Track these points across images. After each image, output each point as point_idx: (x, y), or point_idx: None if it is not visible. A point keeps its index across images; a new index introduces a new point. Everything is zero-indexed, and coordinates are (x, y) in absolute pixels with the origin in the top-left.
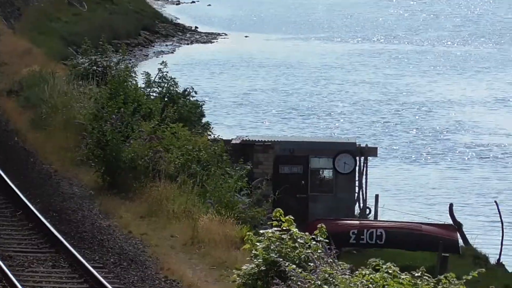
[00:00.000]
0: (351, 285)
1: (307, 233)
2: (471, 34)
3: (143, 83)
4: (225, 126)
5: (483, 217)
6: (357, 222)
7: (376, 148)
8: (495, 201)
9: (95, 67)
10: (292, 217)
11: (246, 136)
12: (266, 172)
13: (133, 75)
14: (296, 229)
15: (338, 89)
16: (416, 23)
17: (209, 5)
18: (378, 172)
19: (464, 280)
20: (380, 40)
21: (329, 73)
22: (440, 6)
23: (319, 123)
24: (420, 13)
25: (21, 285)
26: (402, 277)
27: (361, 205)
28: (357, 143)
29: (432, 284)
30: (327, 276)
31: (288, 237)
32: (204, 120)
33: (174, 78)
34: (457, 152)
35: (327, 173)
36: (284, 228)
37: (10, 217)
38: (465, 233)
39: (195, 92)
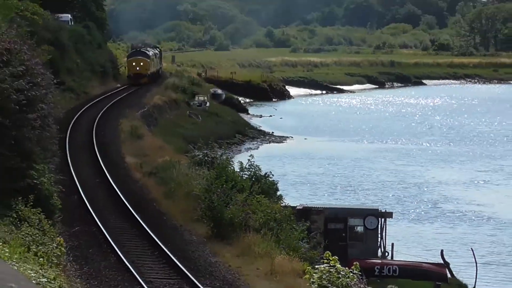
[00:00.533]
0: None
1: (346, 268)
2: (453, 139)
3: (238, 168)
4: (292, 197)
5: (464, 259)
6: (380, 261)
7: (392, 212)
8: (471, 248)
9: (206, 158)
10: (336, 258)
11: (306, 204)
12: (319, 228)
13: (231, 163)
14: (339, 265)
15: (366, 173)
16: (417, 131)
17: (281, 118)
18: (393, 228)
19: None
20: (394, 141)
21: (360, 163)
22: (433, 119)
23: (354, 195)
24: (420, 124)
25: None
26: None
27: (382, 250)
28: (379, 209)
29: None
30: None
31: (334, 270)
32: (278, 193)
33: (258, 165)
34: (445, 215)
35: (360, 229)
36: (331, 264)
37: (150, 255)
38: (452, 269)
39: (272, 175)
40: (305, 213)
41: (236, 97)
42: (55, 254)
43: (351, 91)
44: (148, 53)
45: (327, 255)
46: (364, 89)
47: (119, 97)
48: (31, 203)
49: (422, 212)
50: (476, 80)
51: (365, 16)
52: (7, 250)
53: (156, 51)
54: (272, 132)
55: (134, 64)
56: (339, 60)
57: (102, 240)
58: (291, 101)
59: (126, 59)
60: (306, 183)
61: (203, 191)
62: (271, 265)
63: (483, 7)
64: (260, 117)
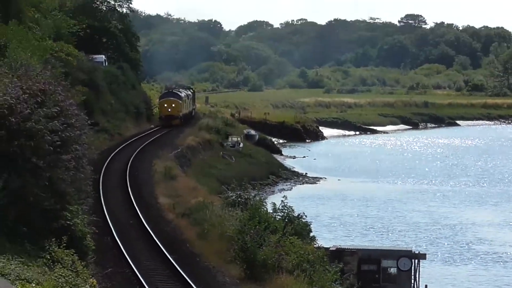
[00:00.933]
0: None
1: None
2: (487, 180)
3: (271, 210)
4: (325, 238)
5: None
6: None
7: (425, 254)
8: None
9: (239, 199)
10: None
11: (339, 245)
12: (352, 269)
13: (264, 204)
14: None
15: (399, 214)
16: (451, 172)
17: (315, 158)
18: (427, 270)
19: None
20: (427, 182)
21: (393, 204)
22: (465, 161)
23: (387, 236)
24: (454, 165)
25: None
26: None
27: None
28: (412, 250)
29: None
30: None
31: None
32: (311, 234)
33: (291, 206)
34: (479, 257)
35: (393, 270)
36: None
37: None
38: None
39: (305, 216)
40: (339, 254)
41: (269, 138)
42: None
43: (384, 132)
44: (180, 94)
45: None
46: (398, 130)
47: (153, 138)
48: (65, 244)
49: (456, 254)
50: (510, 121)
51: (399, 56)
52: None
53: (189, 92)
54: (306, 173)
55: (166, 105)
56: (373, 101)
57: (135, 282)
58: (325, 142)
59: (158, 100)
60: (340, 224)
61: (236, 232)
62: None
63: None
64: (294, 158)
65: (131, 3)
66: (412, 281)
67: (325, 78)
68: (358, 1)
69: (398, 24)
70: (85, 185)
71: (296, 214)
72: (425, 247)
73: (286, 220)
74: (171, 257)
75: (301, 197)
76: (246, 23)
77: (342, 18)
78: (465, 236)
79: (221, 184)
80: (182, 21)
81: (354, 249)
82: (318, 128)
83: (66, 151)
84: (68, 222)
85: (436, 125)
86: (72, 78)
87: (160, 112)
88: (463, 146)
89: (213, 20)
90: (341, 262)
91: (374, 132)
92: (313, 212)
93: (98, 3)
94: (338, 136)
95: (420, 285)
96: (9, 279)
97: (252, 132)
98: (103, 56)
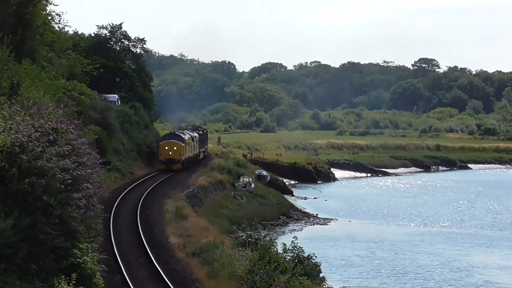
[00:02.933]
0: None
1: None
2: (498, 223)
3: (281, 250)
4: (335, 280)
5: None
6: None
7: None
8: None
9: (250, 239)
10: None
11: (349, 286)
12: None
13: (274, 244)
14: None
15: (407, 256)
16: (462, 214)
17: (326, 200)
18: None
19: None
20: (438, 225)
21: (402, 246)
22: (478, 204)
23: (396, 278)
24: (465, 208)
25: None
26: None
27: None
28: None
29: None
30: None
31: None
32: (321, 275)
33: (301, 247)
34: None
35: None
36: None
37: None
38: None
39: (315, 256)
40: None
41: (281, 179)
42: None
43: (396, 174)
44: (183, 136)
45: None
46: (409, 172)
47: (164, 177)
48: (74, 282)
49: None
50: None
51: (412, 100)
52: None
53: (195, 134)
54: (317, 214)
55: (166, 148)
56: (385, 143)
57: None
58: (336, 184)
59: (159, 142)
60: (350, 266)
61: (246, 272)
62: None
63: None
64: (305, 199)
65: (145, 44)
66: None
67: (337, 120)
68: (372, 45)
69: (411, 68)
70: (96, 223)
71: (306, 255)
72: None
73: (296, 260)
74: None
75: (311, 238)
76: (259, 64)
77: (356, 61)
78: (475, 279)
79: (232, 224)
80: (196, 62)
81: None
82: (330, 169)
83: (77, 189)
84: (78, 260)
85: (448, 168)
86: (84, 117)
87: (160, 155)
88: (474, 190)
89: (226, 62)
90: None
91: (386, 174)
92: (323, 253)
93: (112, 43)
94: (350, 178)
95: None
96: None
97: (264, 172)
98: (116, 95)
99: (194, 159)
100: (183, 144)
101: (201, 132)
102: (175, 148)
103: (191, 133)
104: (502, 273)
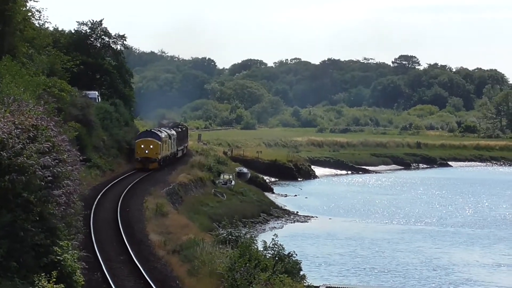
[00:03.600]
0: None
1: None
2: (476, 221)
3: (261, 247)
4: (315, 277)
5: None
6: None
7: None
8: None
9: (230, 236)
10: None
11: (329, 284)
12: None
13: (255, 242)
14: None
15: (388, 254)
16: (441, 213)
17: (306, 197)
18: None
19: None
20: (417, 223)
21: (383, 243)
22: (457, 202)
23: (376, 275)
24: (444, 206)
25: None
26: None
27: None
28: None
29: None
30: None
31: None
32: (301, 272)
33: (282, 245)
34: None
35: None
36: None
37: None
38: None
39: (296, 254)
40: None
41: (261, 176)
42: None
43: (376, 172)
44: (160, 134)
45: None
46: (390, 170)
47: (145, 175)
48: (54, 280)
49: None
50: (502, 163)
51: (392, 97)
52: None
53: (173, 132)
54: (297, 212)
55: (142, 146)
56: (365, 141)
57: None
58: (317, 181)
59: (134, 140)
60: (330, 263)
61: (226, 270)
62: None
63: (510, 90)
64: (285, 196)
65: (126, 40)
66: None
67: (318, 117)
68: (352, 42)
69: (391, 65)
70: (76, 220)
71: (286, 252)
72: (413, 287)
73: (277, 258)
74: None
75: (292, 236)
76: (240, 61)
77: (336, 57)
78: (454, 276)
79: (213, 222)
80: (176, 59)
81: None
82: (310, 167)
83: (57, 186)
84: (58, 258)
85: (428, 166)
86: (65, 113)
87: (136, 154)
88: (454, 188)
89: (207, 58)
90: None
91: (366, 171)
92: (304, 251)
93: (92, 40)
94: (330, 175)
95: None
96: None
97: (244, 170)
98: (96, 92)
99: (172, 158)
100: (159, 143)
101: (180, 130)
102: (151, 146)
103: (168, 131)
104: (483, 270)
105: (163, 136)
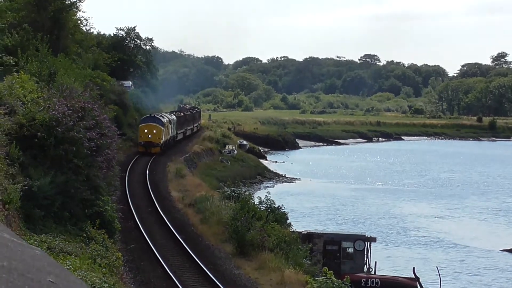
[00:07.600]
0: None
1: (340, 280)
2: (426, 182)
3: (257, 202)
4: (298, 225)
5: (430, 275)
6: (365, 275)
7: (375, 237)
8: (437, 267)
9: (233, 193)
10: (332, 272)
11: (309, 230)
12: (319, 249)
13: (252, 198)
14: (334, 278)
15: (356, 208)
16: (396, 176)
17: (292, 163)
18: (377, 250)
19: None
20: (379, 183)
21: (352, 199)
22: (410, 168)
23: (346, 224)
24: (400, 171)
25: None
26: None
27: (367, 267)
28: (365, 235)
29: None
30: None
31: (330, 282)
32: (288, 221)
33: (273, 200)
34: (418, 240)
35: (350, 250)
36: (328, 277)
37: (188, 268)
38: (421, 282)
39: (284, 207)
40: (309, 237)
41: (257, 147)
42: (115, 266)
43: (346, 144)
44: (162, 119)
45: (325, 270)
46: (356, 142)
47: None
48: (98, 226)
49: (400, 238)
50: (442, 137)
51: (358, 86)
52: (78, 262)
53: (173, 117)
54: (285, 175)
55: (146, 131)
56: (338, 120)
57: (152, 256)
58: (300, 151)
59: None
60: (310, 215)
61: (230, 219)
62: (281, 277)
63: (450, 81)
64: (276, 162)
65: (153, 42)
66: (365, 258)
67: (301, 102)
68: (328, 43)
69: (358, 62)
70: (114, 180)
71: (276, 206)
72: (376, 232)
73: (269, 210)
74: (180, 237)
75: (280, 193)
76: (241, 58)
77: (315, 56)
78: (408, 224)
79: (219, 182)
80: (192, 57)
81: (320, 233)
82: (295, 140)
83: (100, 154)
84: (101, 209)
85: (386, 139)
86: (105, 98)
87: (140, 138)
88: (408, 157)
89: (216, 56)
90: (310, 243)
91: (338, 144)
92: (290, 205)
93: (127, 42)
94: (311, 146)
95: (371, 261)
96: (54, 252)
97: (244, 142)
98: (130, 82)
99: (171, 141)
100: (162, 128)
101: (190, 112)
102: (154, 131)
103: (169, 116)
104: (427, 220)
105: (165, 121)
